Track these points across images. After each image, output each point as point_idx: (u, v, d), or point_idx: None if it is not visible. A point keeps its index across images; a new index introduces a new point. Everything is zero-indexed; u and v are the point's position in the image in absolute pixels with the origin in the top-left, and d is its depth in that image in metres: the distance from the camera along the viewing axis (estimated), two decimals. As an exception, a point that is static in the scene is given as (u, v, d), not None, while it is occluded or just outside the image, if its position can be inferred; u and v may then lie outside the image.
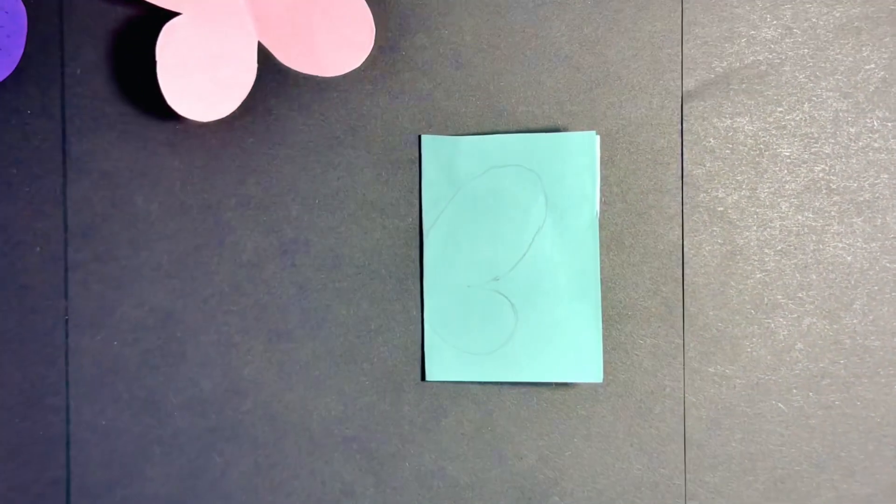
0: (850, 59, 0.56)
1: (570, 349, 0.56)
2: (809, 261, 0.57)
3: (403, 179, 0.57)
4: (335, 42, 0.55)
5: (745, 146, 0.57)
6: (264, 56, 0.56)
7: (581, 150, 0.56)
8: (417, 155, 0.57)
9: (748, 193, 0.57)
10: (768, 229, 0.57)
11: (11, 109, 0.57)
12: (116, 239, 0.56)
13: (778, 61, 0.57)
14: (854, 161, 0.57)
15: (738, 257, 0.57)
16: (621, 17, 0.56)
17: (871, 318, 0.57)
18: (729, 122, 0.57)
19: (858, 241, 0.57)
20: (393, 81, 0.57)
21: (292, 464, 0.58)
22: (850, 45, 0.56)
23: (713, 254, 0.57)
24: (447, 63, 0.57)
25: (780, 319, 0.57)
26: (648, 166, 0.56)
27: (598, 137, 0.56)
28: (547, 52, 0.56)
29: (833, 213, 0.57)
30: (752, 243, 0.57)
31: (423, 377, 0.57)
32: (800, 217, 0.57)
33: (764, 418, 0.57)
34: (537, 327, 0.57)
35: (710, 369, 0.57)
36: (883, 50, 0.56)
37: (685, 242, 0.57)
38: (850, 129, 0.57)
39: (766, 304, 0.57)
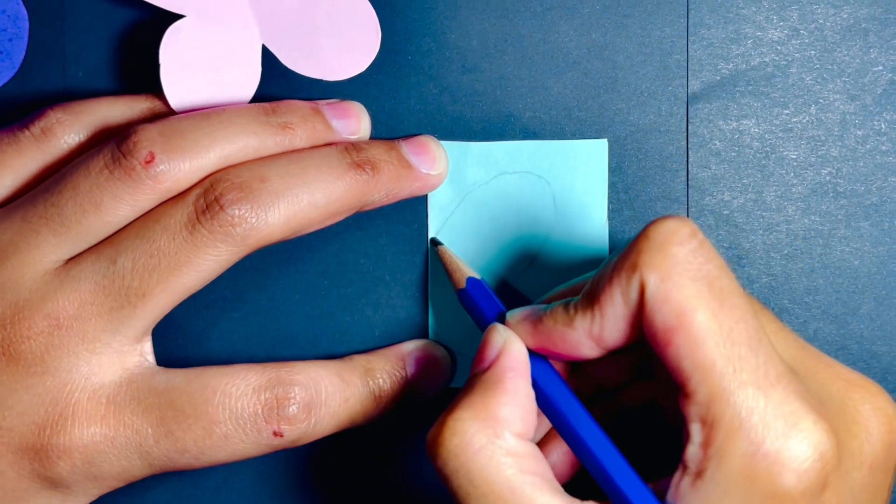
0: (858, 60, 0.57)
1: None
2: (816, 265, 0.57)
3: (409, 184, 0.56)
4: (340, 46, 0.56)
5: (752, 149, 0.57)
6: (268, 59, 0.56)
7: (592, 158, 0.57)
8: (423, 160, 0.57)
9: (754, 197, 0.57)
10: (774, 233, 0.57)
11: (13, 113, 0.58)
12: (117, 244, 0.56)
13: (784, 63, 0.57)
14: (861, 164, 0.57)
15: (745, 261, 0.57)
16: (630, 21, 0.57)
17: (878, 322, 0.58)
18: (735, 124, 0.57)
19: (866, 245, 0.57)
20: (398, 86, 0.57)
21: (294, 473, 0.58)
22: (857, 46, 0.57)
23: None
24: (454, 68, 0.57)
25: (787, 324, 0.57)
26: (656, 173, 0.57)
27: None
28: (555, 58, 0.57)
29: (840, 217, 0.57)
30: (758, 247, 0.57)
31: (427, 384, 0.58)
32: (806, 221, 0.57)
33: (771, 426, 0.57)
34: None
35: (715, 375, 0.57)
36: (891, 52, 0.57)
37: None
38: (858, 132, 0.57)
39: (773, 309, 0.57)
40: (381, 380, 0.55)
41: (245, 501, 0.59)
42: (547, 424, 0.53)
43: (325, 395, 0.53)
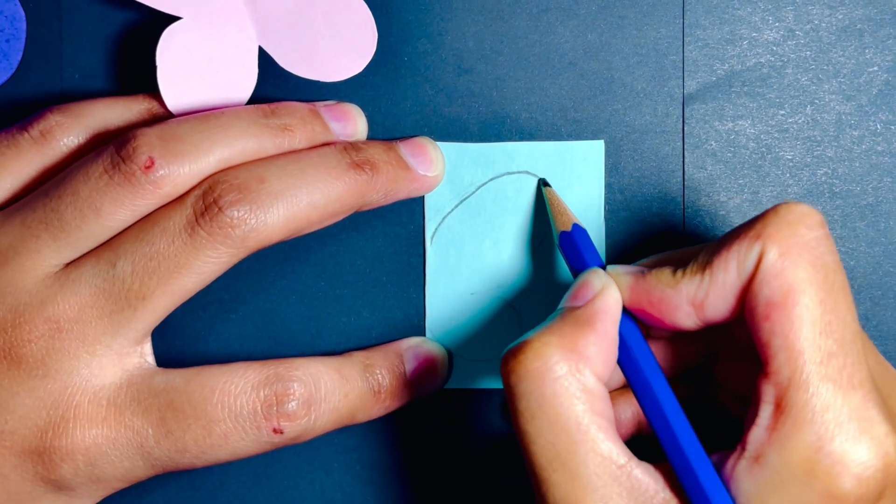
0: (853, 61, 0.57)
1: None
2: (812, 265, 0.57)
3: (405, 186, 0.57)
4: (337, 47, 0.56)
5: (747, 149, 0.57)
6: (265, 61, 0.56)
7: (588, 160, 0.57)
8: (419, 161, 0.57)
9: (750, 197, 0.57)
10: None
11: (11, 113, 0.58)
12: (113, 245, 0.56)
13: (780, 64, 0.57)
14: (857, 165, 0.57)
15: None
16: (626, 23, 0.57)
17: (874, 323, 0.58)
18: (731, 125, 0.57)
19: (861, 246, 0.58)
20: (395, 88, 0.57)
21: (291, 474, 0.59)
22: (852, 47, 0.57)
23: (715, 259, 0.57)
24: (450, 69, 0.57)
25: (783, 324, 0.57)
26: (653, 174, 0.57)
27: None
28: (551, 59, 0.57)
29: (836, 218, 0.57)
30: (753, 248, 0.57)
31: (424, 385, 0.58)
32: (802, 221, 0.57)
33: (767, 426, 0.57)
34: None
35: (711, 376, 0.57)
36: (886, 52, 0.57)
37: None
38: (853, 133, 0.57)
39: (769, 310, 0.57)
40: (379, 375, 0.55)
41: (241, 503, 0.59)
42: (616, 383, 0.53)
43: (325, 391, 0.53)
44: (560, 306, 0.50)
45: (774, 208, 0.47)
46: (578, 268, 0.53)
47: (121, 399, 0.52)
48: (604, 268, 0.51)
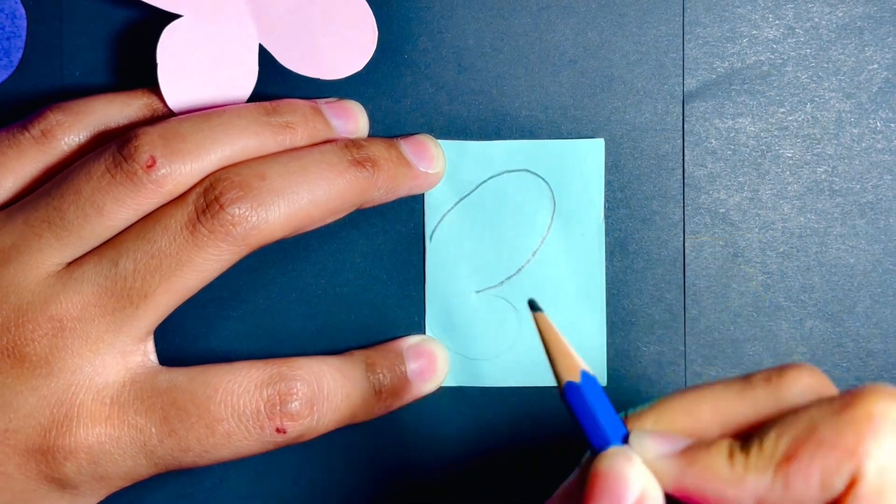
0: (853, 59, 0.57)
1: (573, 355, 0.56)
2: (812, 263, 0.58)
3: (405, 183, 0.57)
4: (337, 45, 0.56)
5: (747, 147, 0.58)
6: (265, 58, 0.56)
7: (589, 158, 0.57)
8: (420, 159, 0.58)
9: (750, 195, 0.58)
10: (770, 231, 0.58)
11: (11, 111, 0.58)
12: (113, 243, 0.56)
13: (780, 61, 0.57)
14: (857, 163, 0.57)
15: (740, 259, 0.58)
16: (626, 20, 0.57)
17: (874, 320, 0.58)
18: (731, 122, 0.57)
19: (861, 243, 0.58)
20: (395, 85, 0.58)
21: (292, 472, 0.59)
22: (852, 45, 0.57)
23: (714, 256, 0.58)
24: (450, 67, 0.58)
25: (782, 322, 0.58)
26: (653, 171, 0.57)
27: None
28: (551, 57, 0.57)
29: (836, 215, 0.58)
30: (753, 245, 0.58)
31: (425, 383, 0.58)
32: (802, 219, 0.58)
33: (767, 424, 0.57)
34: (541, 333, 0.57)
35: (711, 373, 0.58)
36: (886, 50, 0.57)
37: (686, 245, 0.58)
38: (853, 131, 0.57)
39: (768, 307, 0.58)
40: (381, 374, 0.55)
41: (242, 501, 0.59)
42: None
43: (328, 391, 0.53)
44: None
45: (865, 408, 0.39)
46: (597, 440, 0.42)
47: (124, 397, 0.52)
48: (626, 437, 0.43)
